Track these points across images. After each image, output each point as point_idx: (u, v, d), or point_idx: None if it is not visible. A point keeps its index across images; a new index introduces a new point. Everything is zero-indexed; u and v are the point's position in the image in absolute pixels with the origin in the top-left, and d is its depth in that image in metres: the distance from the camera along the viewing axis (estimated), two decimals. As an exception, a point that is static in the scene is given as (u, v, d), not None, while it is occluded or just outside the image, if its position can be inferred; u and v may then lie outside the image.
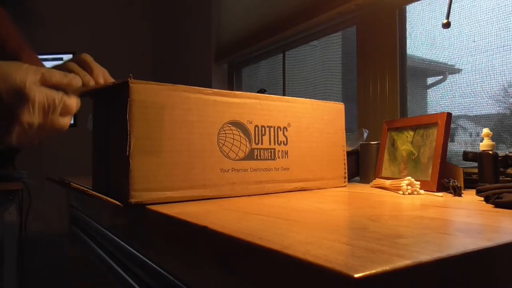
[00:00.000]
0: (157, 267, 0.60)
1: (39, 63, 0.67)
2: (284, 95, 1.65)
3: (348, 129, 0.90)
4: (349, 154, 0.99)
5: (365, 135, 1.04)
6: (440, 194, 0.69)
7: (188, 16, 2.29)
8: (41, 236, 2.02)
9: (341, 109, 0.86)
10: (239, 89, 2.03)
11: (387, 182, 0.77)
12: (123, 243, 0.78)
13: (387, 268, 0.25)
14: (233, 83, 2.06)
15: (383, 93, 1.20)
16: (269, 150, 0.72)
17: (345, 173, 0.86)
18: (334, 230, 0.40)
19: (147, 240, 0.65)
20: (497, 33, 0.95)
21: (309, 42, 1.59)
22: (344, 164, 0.86)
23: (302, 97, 0.80)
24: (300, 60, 1.68)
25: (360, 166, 0.97)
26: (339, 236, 0.35)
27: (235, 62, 2.01)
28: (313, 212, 0.50)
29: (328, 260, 0.26)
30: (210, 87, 0.73)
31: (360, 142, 0.98)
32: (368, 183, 0.89)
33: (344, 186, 0.85)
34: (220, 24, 2.01)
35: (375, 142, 0.93)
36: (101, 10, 2.43)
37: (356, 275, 0.23)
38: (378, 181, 0.83)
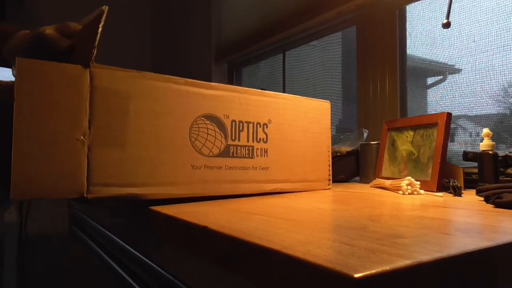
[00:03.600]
0: (157, 267, 0.60)
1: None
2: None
3: (348, 129, 0.90)
4: (349, 154, 1.00)
5: (365, 135, 1.05)
6: (440, 194, 0.69)
7: (188, 16, 2.29)
8: (41, 236, 2.02)
9: (326, 108, 0.80)
10: (239, 89, 2.03)
11: (387, 182, 0.77)
12: (123, 243, 0.78)
13: (387, 268, 0.25)
14: (233, 83, 2.06)
15: (383, 93, 1.20)
16: (246, 148, 0.66)
17: (329, 175, 0.79)
18: (334, 230, 0.40)
19: (147, 240, 0.65)
20: (497, 33, 0.95)
21: (309, 42, 1.59)
22: (329, 166, 0.79)
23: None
24: (300, 60, 1.68)
25: (360, 166, 0.97)
26: (339, 236, 0.35)
27: (235, 62, 2.01)
28: (313, 212, 0.50)
29: (328, 260, 0.26)
30: (210, 87, 0.72)
31: (360, 142, 0.98)
32: (368, 183, 0.89)
33: (328, 189, 0.79)
34: (220, 24, 2.01)
35: (375, 142, 0.93)
36: (101, 10, 2.43)
37: (356, 275, 0.23)
38: (378, 181, 0.83)
